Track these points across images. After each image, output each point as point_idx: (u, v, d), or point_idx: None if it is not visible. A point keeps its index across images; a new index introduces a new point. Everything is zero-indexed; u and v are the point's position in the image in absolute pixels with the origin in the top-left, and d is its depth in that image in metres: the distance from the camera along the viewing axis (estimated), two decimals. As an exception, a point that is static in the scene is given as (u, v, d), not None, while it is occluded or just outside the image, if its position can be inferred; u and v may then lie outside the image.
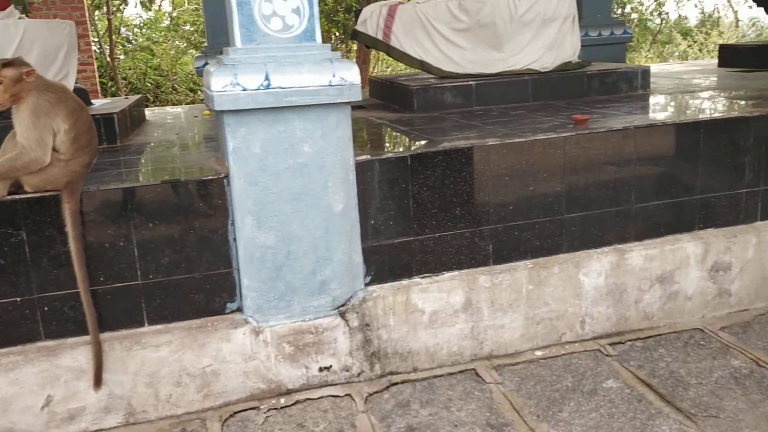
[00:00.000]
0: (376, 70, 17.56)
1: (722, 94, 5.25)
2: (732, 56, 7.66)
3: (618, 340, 3.88)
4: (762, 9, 7.89)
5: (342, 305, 3.47)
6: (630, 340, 3.87)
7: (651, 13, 22.50)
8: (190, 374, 3.30)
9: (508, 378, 3.56)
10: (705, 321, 4.05)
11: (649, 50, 22.57)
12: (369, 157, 3.45)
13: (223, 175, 3.25)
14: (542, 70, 5.32)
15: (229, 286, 3.35)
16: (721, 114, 4.12)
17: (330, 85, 3.20)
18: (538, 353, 3.79)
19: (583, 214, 3.81)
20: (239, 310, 3.38)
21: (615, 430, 3.08)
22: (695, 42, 22.96)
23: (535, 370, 3.62)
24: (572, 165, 3.75)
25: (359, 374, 3.54)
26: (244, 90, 3.08)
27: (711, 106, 4.75)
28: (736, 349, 3.70)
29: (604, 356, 3.72)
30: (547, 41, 5.33)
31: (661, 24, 22.93)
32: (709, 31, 23.23)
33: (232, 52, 3.19)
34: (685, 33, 23.65)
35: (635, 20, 21.63)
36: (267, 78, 3.10)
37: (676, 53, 22.74)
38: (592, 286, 3.83)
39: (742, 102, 4.70)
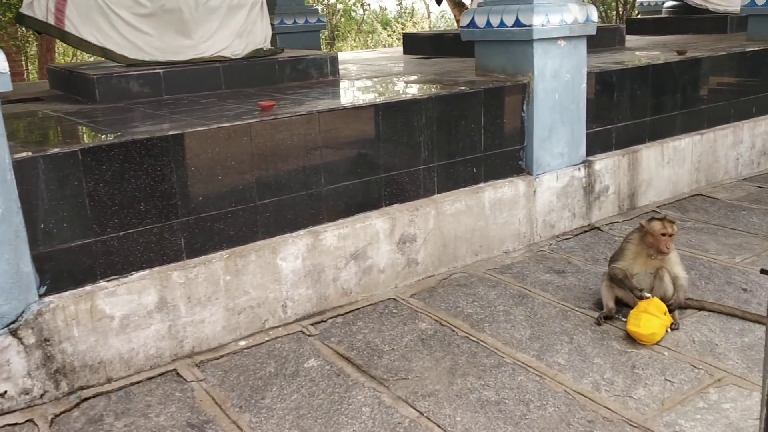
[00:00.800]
0: (75, 59, 16.09)
1: (401, 79, 5.65)
2: (413, 44, 8.33)
3: (320, 319, 4.00)
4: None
5: (12, 322, 3.08)
6: (331, 318, 4.01)
7: (354, 4, 23.70)
8: None
9: (211, 373, 3.47)
10: (398, 290, 4.34)
11: (354, 39, 23.81)
12: (30, 154, 3.10)
13: None
14: (233, 57, 5.26)
15: None
16: (396, 97, 4.41)
17: (-30, 74, 2.79)
18: (242, 343, 3.75)
19: (276, 200, 3.84)
20: None
21: (315, 407, 3.15)
22: (394, 32, 24.74)
23: (239, 361, 3.58)
24: (260, 151, 3.74)
25: (42, 395, 3.19)
26: None
27: (390, 89, 5.09)
28: (423, 313, 4.02)
29: (307, 337, 3.81)
30: (236, 28, 5.27)
31: (363, 14, 24.30)
32: (405, 22, 25.19)
33: None
34: (386, 23, 25.40)
35: (340, 11, 22.63)
36: None
37: (380, 42, 24.30)
38: (290, 269, 3.88)
39: (417, 85, 5.11)
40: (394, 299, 4.23)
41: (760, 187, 6.22)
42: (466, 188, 4.67)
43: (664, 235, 3.74)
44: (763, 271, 1.86)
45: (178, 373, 3.47)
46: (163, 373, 3.47)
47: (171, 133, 3.45)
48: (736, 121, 6.48)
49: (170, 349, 3.54)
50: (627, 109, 5.57)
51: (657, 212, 5.58)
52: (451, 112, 4.51)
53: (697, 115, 6.15)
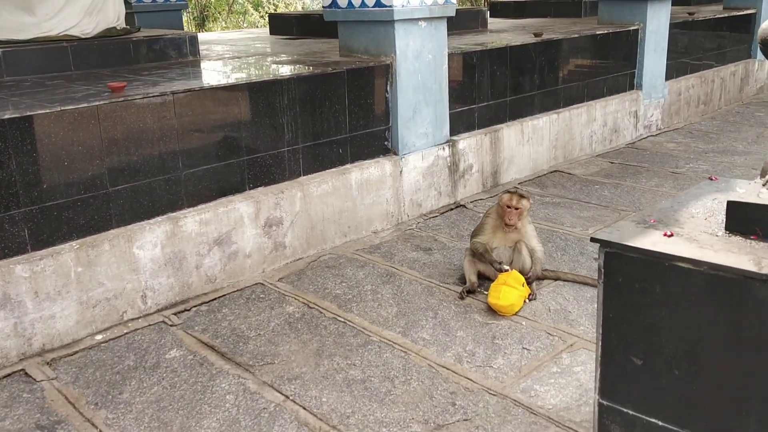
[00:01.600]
0: None
1: (265, 59, 5.54)
2: (280, 25, 8.21)
3: (183, 308, 3.87)
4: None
5: None
6: (195, 306, 3.89)
7: (221, -16, 22.97)
8: None
9: (64, 371, 3.27)
10: (265, 275, 4.27)
11: (226, 20, 23.14)
12: None
13: None
14: (83, 36, 4.95)
15: None
16: (258, 77, 4.32)
17: None
18: (99, 337, 3.56)
19: (131, 186, 3.66)
20: None
21: (177, 398, 3.05)
22: (266, 12, 24.27)
23: (95, 357, 3.40)
24: (110, 135, 3.55)
25: None
26: None
27: (252, 70, 4.97)
28: (291, 297, 3.98)
29: (169, 327, 3.67)
30: (86, 5, 4.96)
31: (232, -5, 23.64)
32: (277, 3, 24.77)
33: None
34: (257, 5, 24.85)
35: (208, -10, 21.88)
36: None
37: (254, 23, 23.75)
38: (149, 258, 3.72)
39: (280, 66, 5.02)
40: (262, 284, 4.16)
41: (612, 162, 6.62)
42: (333, 169, 4.66)
43: (508, 207, 3.90)
44: (593, 240, 1.96)
45: (26, 373, 3.25)
46: (9, 375, 3.24)
47: (8, 116, 3.20)
48: (590, 101, 6.85)
49: (17, 349, 3.31)
50: (488, 89, 5.74)
51: (517, 188, 5.81)
52: (314, 92, 4.47)
53: (553, 95, 6.44)
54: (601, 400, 1.99)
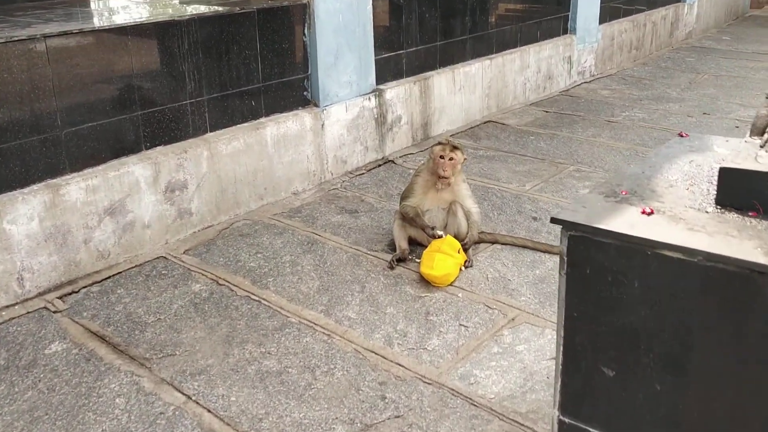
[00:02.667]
0: None
1: (168, -1, 4.89)
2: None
3: (71, 289, 3.33)
4: None
5: None
6: (85, 287, 3.36)
7: None
8: None
9: None
10: (169, 247, 3.76)
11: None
12: None
13: None
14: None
15: None
16: (151, 18, 3.71)
17: None
18: (-35, 330, 3.01)
19: (-4, 149, 3.07)
20: None
21: (55, 405, 2.56)
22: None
23: (-42, 355, 2.86)
24: (-35, 88, 2.93)
25: None
26: None
27: (146, 10, 4.33)
28: (198, 272, 3.50)
29: (52, 314, 3.14)
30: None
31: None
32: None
33: None
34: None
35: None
36: None
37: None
38: (24, 234, 3.16)
39: (178, 4, 4.40)
40: (165, 257, 3.65)
41: (546, 111, 6.29)
42: (245, 124, 4.13)
43: (442, 158, 3.51)
44: (554, 220, 1.57)
45: None
46: None
47: None
48: (523, 46, 6.46)
49: None
50: (417, 33, 5.27)
51: (449, 140, 5.41)
52: (220, 36, 3.90)
53: (486, 40, 6.02)
54: (561, 417, 1.63)
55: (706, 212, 1.46)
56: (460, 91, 5.70)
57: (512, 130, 5.74)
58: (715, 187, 1.48)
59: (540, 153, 5.18)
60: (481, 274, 3.47)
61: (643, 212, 1.48)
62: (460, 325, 3.04)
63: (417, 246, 3.70)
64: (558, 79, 7.02)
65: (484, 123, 5.93)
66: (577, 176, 4.71)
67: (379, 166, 4.97)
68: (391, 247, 3.71)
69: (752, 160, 1.44)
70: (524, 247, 3.72)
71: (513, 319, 3.08)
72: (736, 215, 1.43)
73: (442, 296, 3.27)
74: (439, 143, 3.57)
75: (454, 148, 3.53)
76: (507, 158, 5.09)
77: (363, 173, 4.83)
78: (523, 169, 4.87)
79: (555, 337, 2.93)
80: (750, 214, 1.42)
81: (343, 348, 2.88)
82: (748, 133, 1.63)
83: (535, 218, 4.08)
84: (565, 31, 7.10)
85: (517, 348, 2.87)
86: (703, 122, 5.88)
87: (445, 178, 3.53)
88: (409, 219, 3.60)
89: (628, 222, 1.45)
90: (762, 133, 1.58)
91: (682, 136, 1.96)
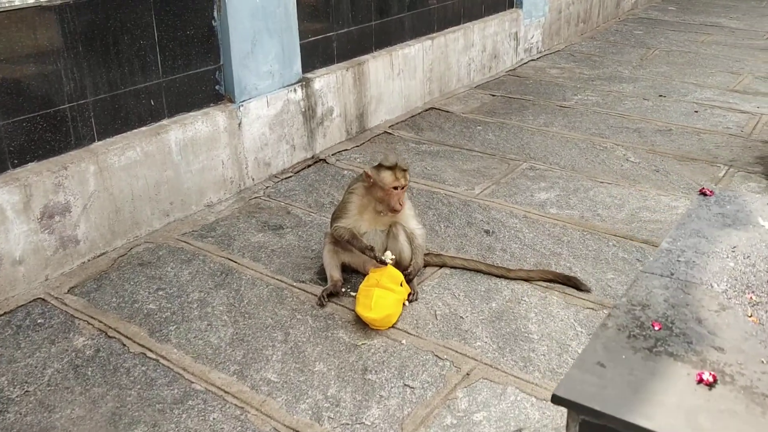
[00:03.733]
0: None
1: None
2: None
3: None
4: None
5: None
6: (-65, 347, 2.68)
7: None
8: None
9: None
10: (50, 284, 3.08)
11: None
12: None
13: None
14: None
15: None
16: (10, 3, 2.97)
17: None
18: None
19: None
20: None
21: None
22: None
23: None
24: None
25: None
26: None
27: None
28: (83, 320, 2.84)
29: None
30: None
31: None
32: None
33: None
34: None
35: None
36: None
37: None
38: None
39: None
40: (43, 300, 2.98)
41: (493, 95, 5.76)
42: (143, 129, 3.45)
43: (396, 188, 2.92)
44: (554, 400, 1.01)
45: None
46: None
47: None
48: (467, 22, 5.88)
49: None
50: (348, 12, 4.62)
51: (390, 133, 4.84)
52: (106, 24, 3.19)
53: (426, 17, 5.41)
54: None
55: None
56: (399, 76, 5.10)
57: (457, 119, 5.18)
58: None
59: (489, 146, 4.65)
60: (428, 310, 2.93)
61: (700, 380, 0.94)
62: (405, 385, 2.49)
63: (352, 274, 3.13)
64: (504, 58, 6.48)
65: (426, 111, 5.35)
66: (531, 175, 4.20)
67: (309, 166, 4.35)
68: (321, 275, 3.14)
69: None
70: (477, 270, 3.19)
71: (468, 374, 2.55)
72: None
73: (383, 343, 2.72)
74: (387, 168, 2.92)
75: (404, 171, 2.94)
76: (453, 154, 4.53)
77: (290, 176, 4.21)
78: (471, 167, 4.33)
79: (518, 397, 2.44)
80: None
81: (260, 427, 2.30)
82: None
83: (487, 231, 3.56)
84: (511, 5, 6.55)
85: (475, 417, 2.34)
86: (661, 106, 5.44)
87: (400, 210, 2.97)
88: (343, 242, 3.02)
89: (680, 408, 0.90)
90: None
91: (705, 194, 1.43)
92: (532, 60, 6.89)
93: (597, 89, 5.92)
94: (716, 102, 5.49)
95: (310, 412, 2.36)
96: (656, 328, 1.08)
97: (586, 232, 3.53)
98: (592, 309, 2.91)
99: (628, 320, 1.11)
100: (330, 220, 3.17)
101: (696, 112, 5.28)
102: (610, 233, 3.51)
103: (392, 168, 2.90)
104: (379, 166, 2.94)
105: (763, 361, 0.97)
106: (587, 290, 3.03)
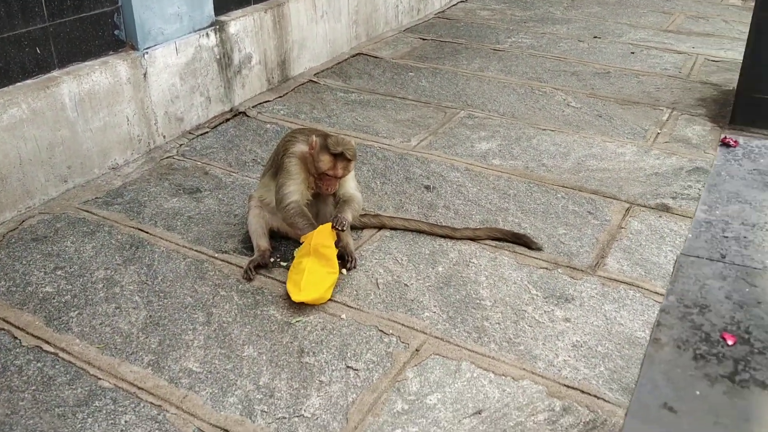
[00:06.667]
0: None
1: None
2: None
3: None
4: None
5: None
6: None
7: None
8: None
9: None
10: (-77, 268, 2.62)
11: None
12: None
13: None
14: None
15: None
16: None
17: None
18: None
19: None
20: None
21: None
22: None
23: None
24: None
25: None
26: None
27: None
28: (-36, 309, 2.42)
29: None
30: None
31: None
32: None
33: None
34: None
35: None
36: None
37: None
38: None
39: None
40: None
41: (424, 39, 5.41)
42: (28, 82, 2.97)
43: (329, 175, 2.59)
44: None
45: None
46: None
47: None
48: (393, -40, 5.47)
49: None
50: (264, -54, 4.15)
51: (315, 81, 4.43)
52: (-29, -45, 2.67)
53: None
54: None
55: None
56: (323, 19, 4.68)
57: (387, 65, 4.83)
58: None
59: (423, 94, 4.33)
60: (368, 278, 2.63)
61: None
62: (348, 367, 2.20)
63: (281, 241, 2.80)
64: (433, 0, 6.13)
65: (354, 56, 4.97)
66: (470, 124, 3.92)
67: (228, 120, 3.93)
68: (247, 244, 2.79)
69: None
70: (419, 231, 2.91)
71: (417, 350, 2.28)
72: None
73: (320, 320, 2.41)
74: (330, 153, 2.55)
75: (348, 161, 2.59)
76: (385, 103, 4.20)
77: (207, 132, 3.79)
78: (405, 117, 4.01)
79: (474, 374, 2.19)
80: None
81: (181, 429, 1.97)
82: None
83: (428, 187, 3.27)
84: (438, -58, 6.17)
85: (428, 401, 2.08)
86: (597, 47, 5.23)
87: (329, 194, 2.65)
88: (289, 221, 2.65)
89: None
90: None
91: (728, 145, 1.16)
92: (462, 2, 6.55)
93: (530, 31, 5.65)
94: (651, 43, 5.32)
95: (240, 406, 2.05)
96: (730, 342, 0.81)
97: (533, 183, 3.29)
98: (546, 269, 2.68)
99: (686, 331, 0.83)
100: (260, 182, 2.80)
101: (632, 53, 5.10)
102: (557, 184, 3.28)
103: (335, 155, 2.55)
104: (326, 144, 2.57)
105: None
106: (539, 248, 2.79)
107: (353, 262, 2.68)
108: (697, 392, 0.74)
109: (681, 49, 5.16)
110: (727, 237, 0.97)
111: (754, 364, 0.79)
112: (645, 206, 3.09)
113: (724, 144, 1.22)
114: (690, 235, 0.97)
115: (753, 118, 3.79)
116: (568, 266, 2.69)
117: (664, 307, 0.86)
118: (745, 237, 0.95)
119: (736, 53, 4.84)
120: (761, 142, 1.15)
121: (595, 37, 5.50)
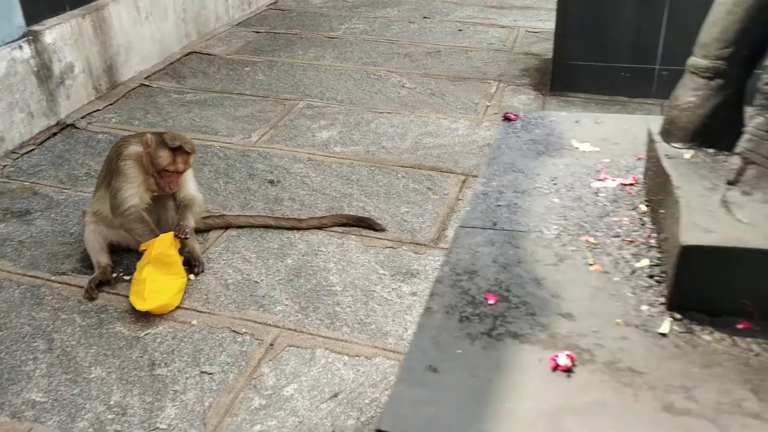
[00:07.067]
0: None
1: None
2: None
3: None
4: None
5: None
6: None
7: None
8: None
9: None
10: None
11: None
12: None
13: None
14: None
15: None
16: None
17: None
18: None
19: None
20: None
21: None
22: None
23: None
24: None
25: None
26: None
27: None
28: None
29: None
30: None
31: None
32: None
33: None
34: None
35: None
36: None
37: None
38: None
39: None
40: None
41: (257, 32, 5.37)
42: None
43: (168, 171, 2.54)
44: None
45: None
46: None
47: None
48: (217, -46, 5.38)
49: None
50: (72, -52, 3.95)
51: (147, 85, 4.29)
52: None
53: (169, -50, 4.83)
54: None
55: (660, 335, 0.78)
56: (148, 20, 4.53)
57: (222, 61, 4.75)
58: (631, 252, 0.81)
59: (261, 88, 4.31)
60: (217, 280, 2.61)
61: (556, 366, 0.76)
62: (203, 372, 2.19)
63: (123, 254, 2.71)
64: (263, -9, 6.08)
65: (186, 56, 4.85)
66: (309, 114, 3.95)
67: (55, 135, 3.73)
68: (86, 262, 2.68)
69: (721, 215, 0.77)
70: (266, 226, 2.92)
71: (272, 345, 2.30)
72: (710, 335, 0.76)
73: (171, 329, 2.37)
74: (168, 147, 2.50)
75: (187, 154, 2.54)
76: (222, 101, 4.14)
77: (33, 149, 3.58)
78: (244, 113, 3.98)
79: (329, 359, 2.25)
80: (738, 325, 0.78)
81: (29, 464, 1.89)
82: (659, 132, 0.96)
83: (272, 182, 3.28)
84: (262, -67, 6.11)
85: (285, 392, 2.11)
86: (427, 27, 5.41)
87: (170, 192, 2.59)
88: (127, 227, 2.57)
89: (539, 416, 0.70)
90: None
91: (509, 119, 1.26)
92: (294, -9, 6.54)
93: (362, 16, 5.75)
94: (477, 19, 5.58)
95: (91, 429, 1.99)
96: (491, 301, 0.89)
97: (374, 167, 3.38)
98: (392, 248, 2.78)
99: (456, 297, 0.90)
100: (94, 196, 2.70)
101: (460, 30, 5.32)
102: (397, 165, 3.39)
103: (174, 149, 2.49)
104: (162, 140, 2.51)
105: (618, 322, 0.82)
106: (382, 229, 2.89)
107: (201, 266, 2.65)
108: (459, 351, 0.82)
109: (504, 23, 5.45)
110: (500, 206, 1.06)
111: (510, 318, 0.88)
112: (479, 176, 3.26)
113: (506, 119, 1.32)
114: (468, 208, 1.05)
115: (569, 83, 4.09)
116: (412, 242, 2.81)
117: (438, 278, 0.94)
118: (515, 204, 1.05)
119: (552, 24, 5.16)
120: (538, 114, 1.26)
121: (425, 17, 5.68)
